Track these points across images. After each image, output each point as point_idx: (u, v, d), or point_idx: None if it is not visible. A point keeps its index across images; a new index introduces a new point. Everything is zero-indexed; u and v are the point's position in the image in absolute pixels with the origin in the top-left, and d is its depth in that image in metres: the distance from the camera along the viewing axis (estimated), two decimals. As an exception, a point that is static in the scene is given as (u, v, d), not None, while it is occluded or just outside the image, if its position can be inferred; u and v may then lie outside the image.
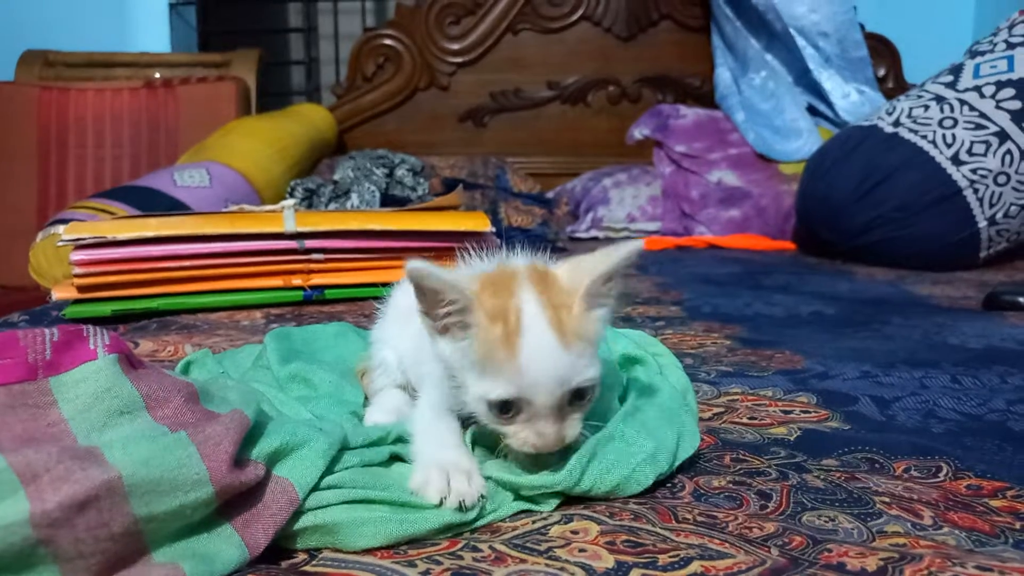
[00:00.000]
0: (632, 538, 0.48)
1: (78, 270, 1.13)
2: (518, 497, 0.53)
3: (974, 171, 1.59)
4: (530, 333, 0.50)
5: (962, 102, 1.66)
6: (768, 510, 0.53)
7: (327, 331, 0.89)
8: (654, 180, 2.23)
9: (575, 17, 2.53)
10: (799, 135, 2.17)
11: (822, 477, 0.59)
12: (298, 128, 2.20)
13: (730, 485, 0.57)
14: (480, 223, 1.32)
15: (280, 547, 0.47)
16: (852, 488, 0.57)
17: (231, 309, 1.20)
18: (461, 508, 0.50)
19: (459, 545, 0.48)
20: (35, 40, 2.39)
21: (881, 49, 2.45)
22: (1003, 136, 1.59)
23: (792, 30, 2.20)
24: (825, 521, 0.51)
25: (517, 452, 0.53)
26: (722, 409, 0.75)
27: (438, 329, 0.53)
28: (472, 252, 0.62)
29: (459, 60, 2.54)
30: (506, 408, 0.51)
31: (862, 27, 2.33)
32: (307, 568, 0.46)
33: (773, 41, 2.29)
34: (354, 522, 0.48)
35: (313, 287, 1.24)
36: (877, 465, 0.61)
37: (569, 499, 0.53)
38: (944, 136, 1.63)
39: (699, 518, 0.51)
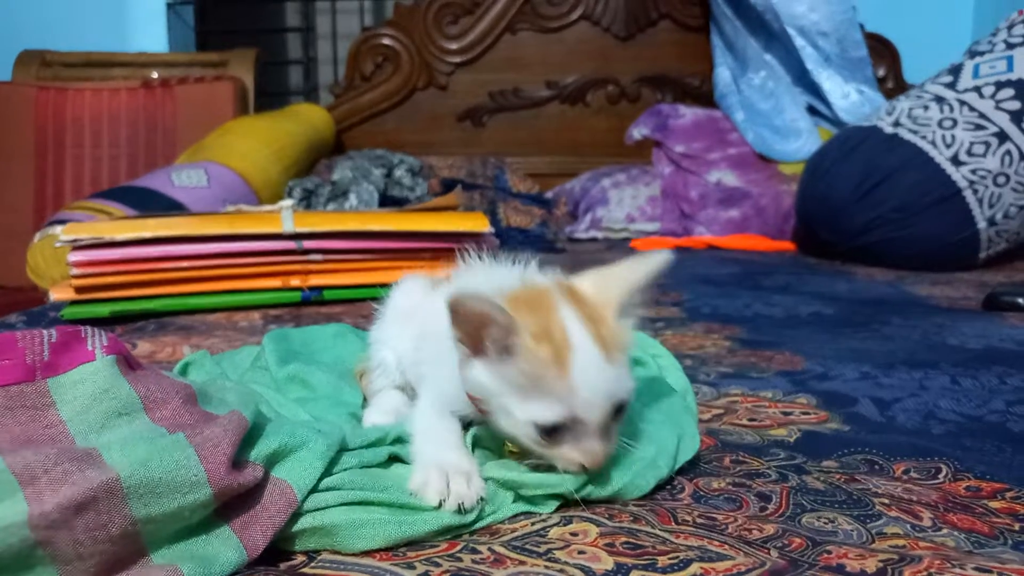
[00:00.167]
0: (631, 540, 0.48)
1: (76, 271, 1.13)
2: (517, 498, 0.53)
3: (974, 172, 1.59)
4: (579, 352, 0.49)
5: (962, 102, 1.66)
6: (768, 512, 0.53)
7: (325, 332, 0.89)
8: (653, 180, 2.23)
9: (574, 16, 2.53)
10: (799, 135, 2.17)
11: (822, 479, 0.59)
12: (296, 128, 2.19)
13: (730, 487, 0.57)
14: (479, 223, 1.32)
15: (278, 549, 0.47)
16: (852, 490, 0.57)
17: (229, 310, 1.20)
18: (460, 510, 0.50)
19: (458, 547, 0.48)
20: (32, 40, 2.39)
21: (881, 49, 2.45)
22: (1002, 137, 1.59)
23: (791, 30, 2.20)
24: (825, 523, 0.51)
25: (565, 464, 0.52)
26: (722, 410, 0.75)
27: (474, 353, 0.52)
28: (472, 253, 0.62)
29: (458, 60, 2.54)
30: (554, 429, 0.50)
31: (862, 27, 2.33)
32: (305, 570, 0.46)
33: (772, 41, 2.29)
34: (352, 524, 0.47)
35: (311, 288, 1.24)
36: (877, 466, 0.61)
37: (568, 501, 0.53)
38: (944, 137, 1.63)
39: (699, 520, 0.51)
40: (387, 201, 1.97)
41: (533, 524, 0.51)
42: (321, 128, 2.37)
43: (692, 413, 0.66)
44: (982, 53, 1.73)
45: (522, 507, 0.53)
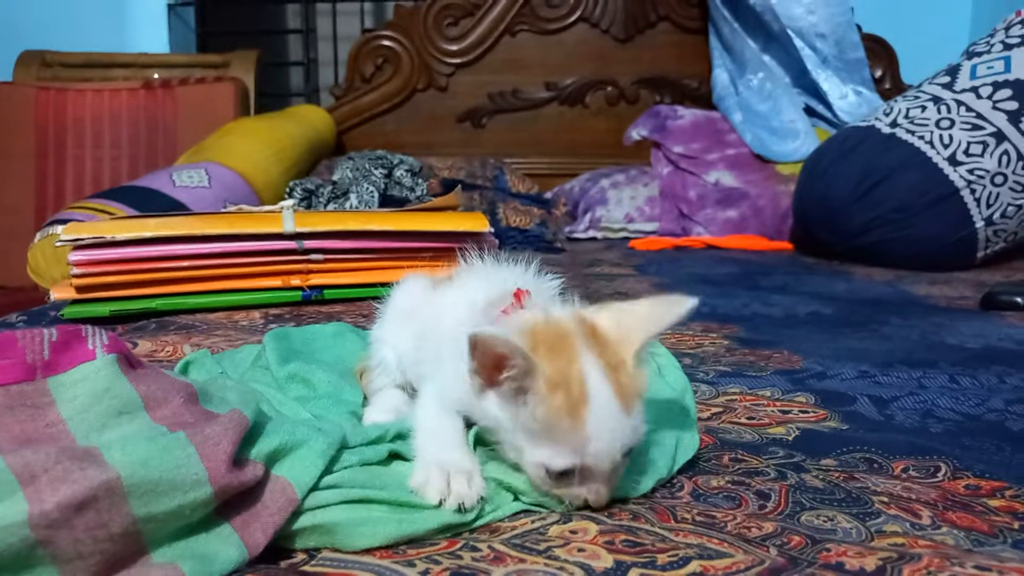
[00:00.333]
0: (631, 538, 0.48)
1: (76, 270, 1.13)
2: (517, 497, 0.53)
3: (971, 171, 1.59)
4: (595, 403, 0.49)
5: (959, 103, 1.67)
6: (767, 510, 0.53)
7: (326, 331, 0.89)
8: (652, 181, 2.23)
9: (573, 18, 2.53)
10: (796, 136, 2.18)
11: (821, 477, 0.59)
12: (297, 129, 2.20)
13: (729, 485, 0.57)
14: (478, 223, 1.32)
15: (279, 547, 0.47)
16: (851, 488, 0.57)
17: (230, 309, 1.20)
18: (460, 510, 0.50)
19: (458, 545, 0.48)
20: (33, 40, 2.39)
21: (878, 50, 2.45)
22: (1000, 137, 1.60)
23: (790, 31, 2.21)
24: (824, 521, 0.51)
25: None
26: (721, 409, 0.75)
27: (489, 386, 0.51)
28: (473, 254, 0.62)
29: (457, 61, 2.54)
30: (561, 474, 0.50)
31: (859, 28, 2.33)
32: (306, 568, 0.46)
33: (771, 42, 2.29)
34: (353, 522, 0.48)
35: (312, 287, 1.24)
36: (875, 465, 0.61)
37: (568, 499, 0.53)
38: (941, 137, 1.63)
39: (698, 518, 0.51)
40: (387, 201, 1.97)
41: (533, 522, 0.51)
42: (322, 129, 2.37)
43: (691, 412, 0.66)
44: (979, 54, 1.74)
45: (522, 505, 0.53)
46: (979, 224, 1.61)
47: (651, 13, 2.52)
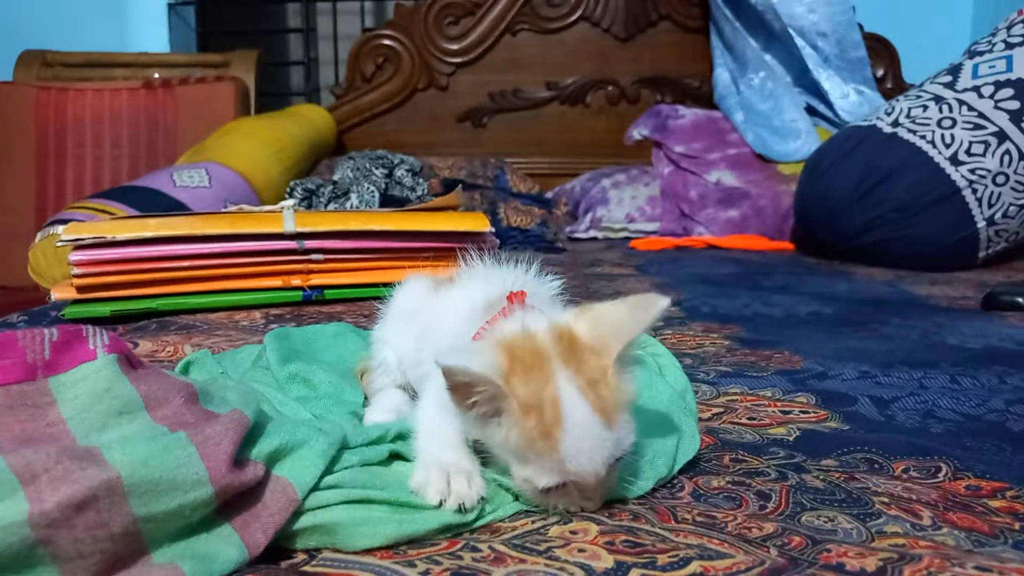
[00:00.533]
0: (631, 538, 0.48)
1: (77, 270, 1.13)
2: (517, 498, 0.53)
3: (973, 171, 1.59)
4: (571, 423, 0.48)
5: (961, 102, 1.67)
6: (767, 510, 0.53)
7: (326, 331, 0.89)
8: (653, 180, 2.23)
9: (574, 18, 2.53)
10: (798, 135, 2.18)
11: (821, 477, 0.59)
12: (297, 129, 2.20)
13: (729, 485, 0.57)
14: (479, 223, 1.32)
15: (279, 547, 0.47)
16: (851, 488, 0.57)
17: (230, 309, 1.20)
18: (461, 510, 0.50)
19: (459, 545, 0.48)
20: (33, 40, 2.39)
21: (880, 49, 2.45)
22: (1002, 136, 1.59)
23: (791, 30, 2.21)
24: (824, 521, 0.51)
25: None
26: (721, 409, 0.75)
27: (468, 409, 0.51)
28: (474, 254, 0.62)
29: (458, 60, 2.54)
30: (552, 487, 0.50)
31: (861, 27, 2.33)
32: (307, 568, 0.46)
33: (772, 41, 2.29)
34: (353, 522, 0.48)
35: (312, 287, 1.24)
36: (876, 465, 0.61)
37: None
38: (943, 136, 1.63)
39: (698, 518, 0.51)
40: (388, 201, 1.97)
41: (533, 522, 0.51)
42: (322, 129, 2.37)
43: (692, 412, 0.66)
44: (981, 53, 1.73)
45: (522, 505, 0.53)
46: (980, 224, 1.60)
47: (652, 12, 2.52)
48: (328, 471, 0.51)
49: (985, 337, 1.04)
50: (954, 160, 1.60)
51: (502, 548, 0.47)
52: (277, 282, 1.23)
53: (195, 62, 2.42)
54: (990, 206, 1.60)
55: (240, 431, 0.48)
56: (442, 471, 0.51)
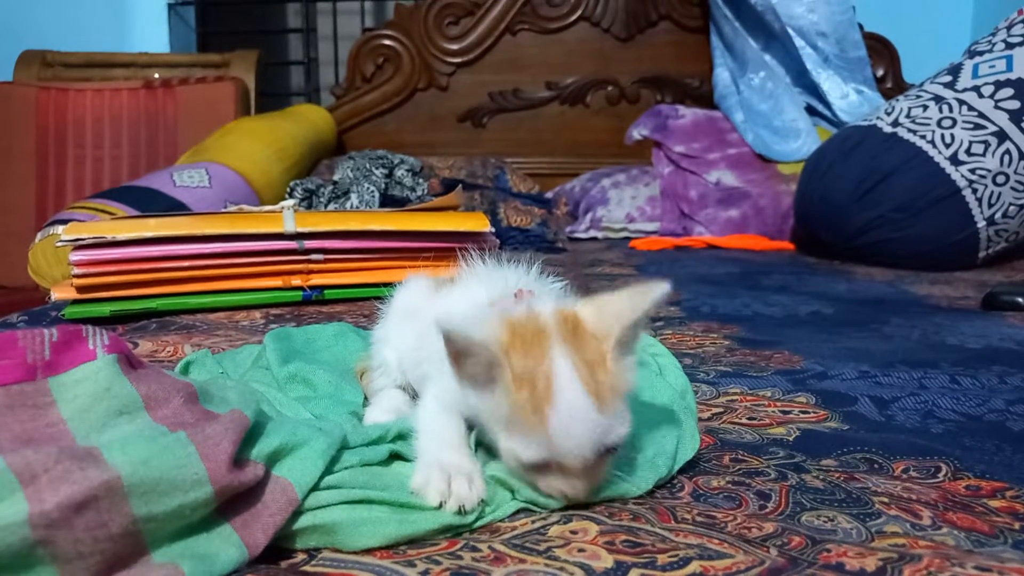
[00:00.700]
0: (631, 538, 0.48)
1: (77, 270, 1.13)
2: (515, 495, 0.53)
3: (973, 171, 1.59)
4: (562, 400, 0.48)
5: (961, 102, 1.67)
6: (767, 510, 0.53)
7: (326, 331, 0.89)
8: (653, 180, 2.23)
9: (574, 18, 2.53)
10: (798, 135, 2.18)
11: (821, 477, 0.59)
12: (297, 129, 2.20)
13: (729, 485, 0.57)
14: (479, 223, 1.32)
15: (279, 547, 0.47)
16: (851, 488, 0.57)
17: (230, 309, 1.20)
18: (460, 511, 0.50)
19: (458, 545, 0.48)
20: (33, 40, 2.39)
21: (880, 49, 2.45)
22: (1002, 136, 1.60)
23: (791, 30, 2.21)
24: (824, 521, 0.51)
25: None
26: (721, 409, 0.75)
27: (465, 379, 0.52)
28: (475, 254, 0.62)
29: (458, 60, 2.54)
30: (537, 465, 0.51)
31: (861, 27, 2.33)
32: (306, 568, 0.46)
33: (772, 41, 2.29)
34: (353, 522, 0.48)
35: (312, 287, 1.24)
36: (876, 465, 0.61)
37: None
38: (943, 136, 1.63)
39: (698, 518, 0.51)
40: (388, 201, 1.98)
41: (533, 522, 0.51)
42: (322, 129, 2.38)
43: (691, 412, 0.66)
44: (981, 53, 1.73)
45: (521, 504, 0.53)
46: (980, 224, 1.60)
47: (652, 12, 2.52)
48: (328, 471, 0.51)
49: (985, 337, 1.04)
50: (954, 160, 1.61)
51: (502, 548, 0.47)
52: (277, 282, 1.23)
53: (195, 62, 2.42)
54: (990, 206, 1.60)
55: (240, 431, 0.48)
56: (443, 472, 0.51)
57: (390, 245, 1.27)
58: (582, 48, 2.55)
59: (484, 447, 0.57)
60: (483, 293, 0.61)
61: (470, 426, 0.57)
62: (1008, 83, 1.64)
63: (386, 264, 1.27)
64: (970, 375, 0.85)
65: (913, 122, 1.69)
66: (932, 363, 0.90)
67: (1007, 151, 1.59)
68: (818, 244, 1.81)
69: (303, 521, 0.47)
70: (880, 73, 2.45)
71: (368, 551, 0.47)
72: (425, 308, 0.69)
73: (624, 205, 2.19)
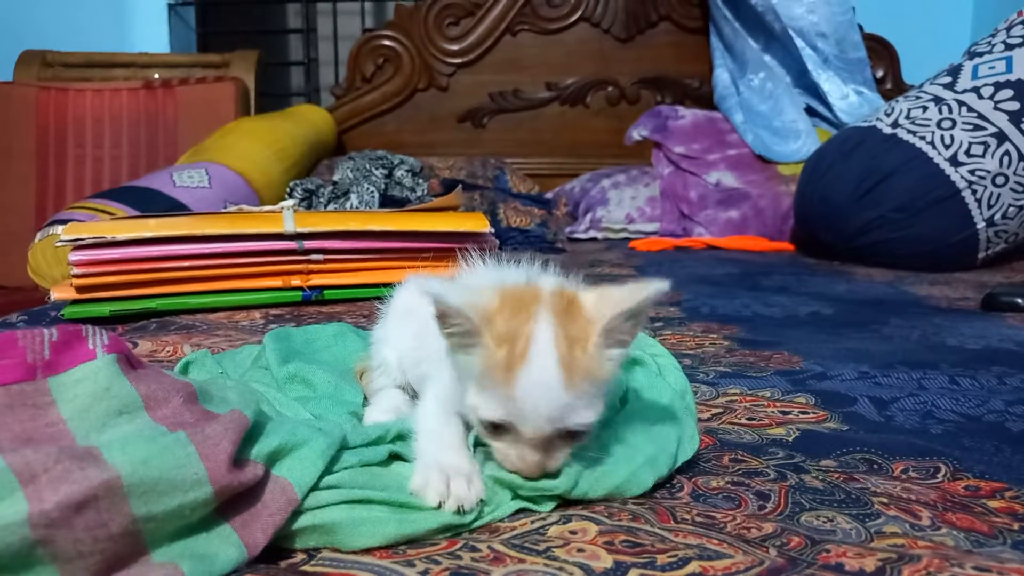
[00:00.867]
0: (630, 538, 0.48)
1: (77, 270, 1.13)
2: (516, 496, 0.53)
3: (972, 172, 1.59)
4: (534, 363, 0.49)
5: (960, 103, 1.67)
6: (766, 510, 0.53)
7: (326, 331, 0.89)
8: (653, 181, 2.23)
9: (574, 18, 2.53)
10: (797, 136, 2.18)
11: (820, 478, 0.59)
12: (297, 129, 2.20)
13: (728, 485, 0.57)
14: (479, 224, 1.32)
15: (279, 547, 0.47)
16: (850, 489, 0.57)
17: (230, 309, 1.20)
18: (459, 512, 0.50)
19: (458, 545, 0.48)
20: (33, 40, 2.39)
21: (879, 50, 2.45)
22: (1001, 137, 1.60)
23: (791, 31, 2.21)
24: (823, 521, 0.51)
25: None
26: (721, 410, 0.75)
27: (449, 340, 0.53)
28: (474, 254, 0.62)
29: (458, 61, 2.54)
30: (495, 427, 0.52)
31: (861, 28, 2.33)
32: (306, 568, 0.46)
33: (772, 42, 2.29)
34: (353, 522, 0.48)
35: (312, 287, 1.24)
36: (875, 466, 0.61)
37: (568, 500, 0.53)
38: (943, 137, 1.63)
39: (697, 518, 0.51)
40: (388, 202, 1.98)
41: (532, 522, 0.51)
42: (322, 129, 2.38)
43: (691, 412, 0.66)
44: (981, 54, 1.74)
45: (521, 505, 0.53)
46: (980, 225, 1.61)
47: (652, 13, 2.52)
48: (328, 471, 0.51)
49: (985, 338, 1.04)
50: (954, 161, 1.61)
51: (501, 548, 0.47)
52: (277, 282, 1.23)
53: (195, 62, 2.42)
54: (990, 207, 1.60)
55: (240, 431, 0.48)
56: (442, 473, 0.51)
57: (390, 245, 1.27)
58: (582, 49, 2.55)
59: (483, 448, 0.57)
60: None
61: (469, 427, 0.57)
62: (1008, 84, 1.64)
63: (386, 264, 1.28)
64: (969, 376, 0.85)
65: (913, 123, 1.69)
66: (931, 364, 0.90)
67: (1007, 152, 1.59)
68: (818, 245, 1.81)
69: (303, 521, 0.47)
70: (880, 74, 2.45)
71: (367, 551, 0.47)
72: (424, 308, 0.69)
73: (624, 206, 2.19)
